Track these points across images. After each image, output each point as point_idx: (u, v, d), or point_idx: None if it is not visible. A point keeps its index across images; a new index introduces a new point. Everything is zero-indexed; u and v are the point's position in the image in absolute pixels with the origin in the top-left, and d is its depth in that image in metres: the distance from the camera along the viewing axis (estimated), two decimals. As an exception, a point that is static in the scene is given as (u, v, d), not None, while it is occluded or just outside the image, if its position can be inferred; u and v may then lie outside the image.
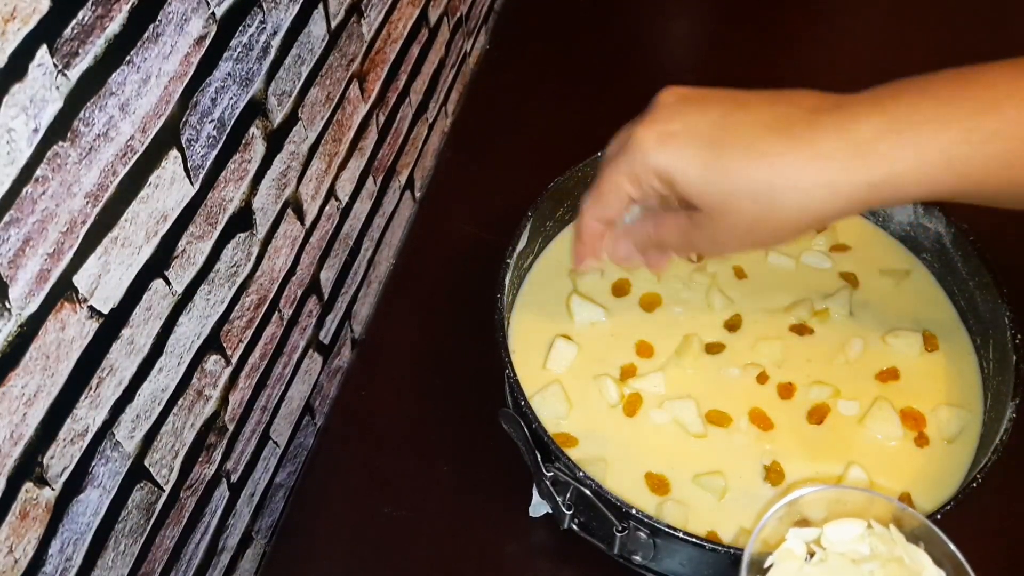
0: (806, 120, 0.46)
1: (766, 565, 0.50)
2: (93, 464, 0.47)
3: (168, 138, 0.47)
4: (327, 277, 0.72)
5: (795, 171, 0.45)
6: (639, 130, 0.49)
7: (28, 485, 0.42)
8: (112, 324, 0.46)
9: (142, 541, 0.53)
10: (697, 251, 0.52)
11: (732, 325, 0.69)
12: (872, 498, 0.51)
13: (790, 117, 0.46)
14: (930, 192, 0.45)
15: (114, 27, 0.41)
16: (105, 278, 0.44)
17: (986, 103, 0.44)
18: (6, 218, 0.37)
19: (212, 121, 0.51)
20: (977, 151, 0.44)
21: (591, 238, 0.55)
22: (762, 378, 0.66)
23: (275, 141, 0.59)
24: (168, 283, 0.50)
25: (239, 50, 0.52)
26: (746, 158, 0.46)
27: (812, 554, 0.50)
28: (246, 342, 0.60)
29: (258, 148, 0.57)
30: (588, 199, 0.54)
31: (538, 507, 0.63)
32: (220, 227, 0.54)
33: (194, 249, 0.52)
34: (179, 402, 0.54)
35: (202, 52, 0.49)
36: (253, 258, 0.59)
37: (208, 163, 0.52)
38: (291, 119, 0.60)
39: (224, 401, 0.59)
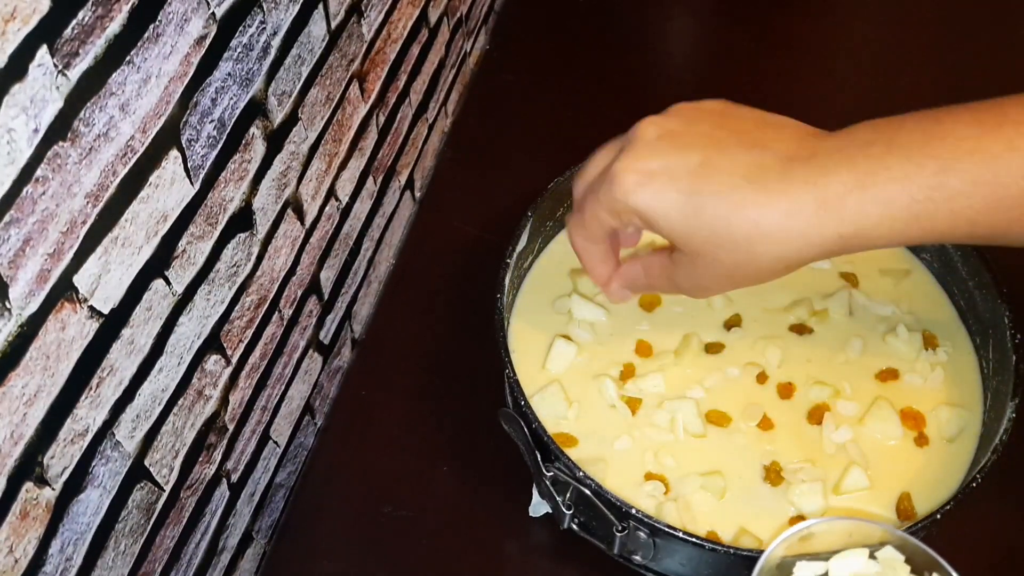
0: (780, 170, 0.48)
1: None
2: (93, 464, 0.47)
3: (168, 138, 0.47)
4: (327, 277, 0.72)
5: (771, 224, 0.47)
6: (619, 165, 0.51)
7: (28, 485, 0.42)
8: (112, 324, 0.46)
9: (142, 541, 0.53)
10: (680, 292, 0.55)
11: (732, 325, 0.69)
12: (877, 528, 0.51)
13: (765, 167, 0.48)
14: (901, 241, 0.48)
15: (114, 27, 0.41)
16: (105, 278, 0.44)
17: (949, 160, 0.45)
18: (6, 218, 0.37)
19: (212, 121, 0.51)
20: (941, 208, 0.45)
21: (589, 260, 0.58)
22: (762, 378, 0.66)
23: (275, 141, 0.59)
24: (168, 283, 0.50)
25: (239, 50, 0.52)
26: (725, 208, 0.48)
27: None
28: (246, 342, 0.60)
29: (258, 148, 0.57)
30: (572, 222, 0.56)
31: (538, 507, 0.63)
32: (220, 227, 0.54)
33: (194, 249, 0.52)
34: (179, 402, 0.54)
35: (202, 52, 0.49)
36: (253, 258, 0.59)
37: (208, 163, 0.52)
38: (291, 119, 0.60)
39: (224, 401, 0.59)
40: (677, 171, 0.49)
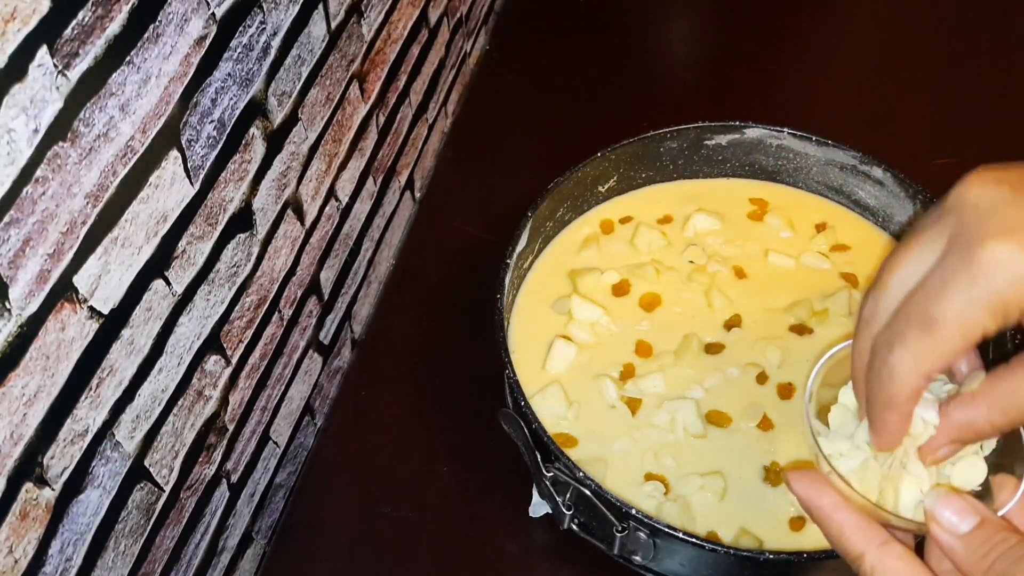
0: None
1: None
2: (93, 464, 0.47)
3: (168, 138, 0.47)
4: (327, 277, 0.72)
5: None
6: (991, 244, 0.36)
7: (28, 485, 0.42)
8: (112, 324, 0.46)
9: (142, 541, 0.53)
10: None
11: (732, 325, 0.69)
12: None
13: None
14: None
15: (114, 27, 0.41)
16: (105, 278, 0.44)
17: None
18: (6, 218, 0.37)
19: (212, 121, 0.51)
20: None
21: (910, 402, 0.40)
22: (762, 378, 0.66)
23: (275, 141, 0.59)
24: (168, 283, 0.50)
25: (239, 50, 0.52)
26: None
27: None
28: (246, 342, 0.60)
29: (258, 148, 0.57)
30: (906, 342, 0.39)
31: (538, 507, 0.63)
32: (220, 227, 0.54)
33: (194, 249, 0.52)
34: (179, 402, 0.54)
35: (202, 52, 0.49)
36: (253, 258, 0.59)
37: (208, 163, 0.52)
38: (291, 119, 0.60)
39: (224, 401, 0.59)
40: None
